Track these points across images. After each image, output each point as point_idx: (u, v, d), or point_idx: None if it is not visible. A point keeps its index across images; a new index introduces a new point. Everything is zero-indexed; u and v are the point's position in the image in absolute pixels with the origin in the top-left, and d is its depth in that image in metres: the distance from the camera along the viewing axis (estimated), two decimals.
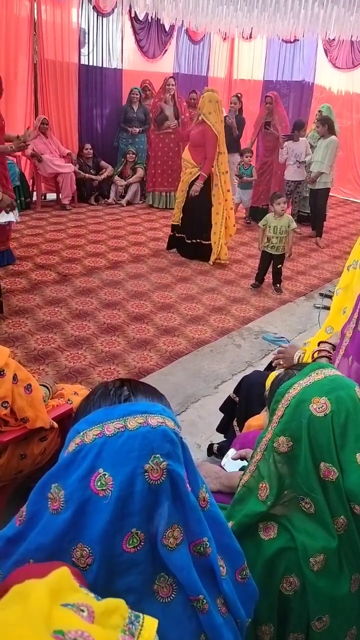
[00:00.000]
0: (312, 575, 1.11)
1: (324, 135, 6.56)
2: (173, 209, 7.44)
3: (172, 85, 7.06)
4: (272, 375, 2.19)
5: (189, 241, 5.79)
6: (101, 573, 0.75)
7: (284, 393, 1.16)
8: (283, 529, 1.15)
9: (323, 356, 1.93)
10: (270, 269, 5.19)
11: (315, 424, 1.10)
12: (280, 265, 5.17)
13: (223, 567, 0.88)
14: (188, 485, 0.81)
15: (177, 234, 5.87)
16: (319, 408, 1.11)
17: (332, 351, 1.93)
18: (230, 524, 1.12)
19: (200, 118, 5.37)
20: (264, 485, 1.15)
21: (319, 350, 1.96)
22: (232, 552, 0.92)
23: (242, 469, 1.75)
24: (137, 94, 7.94)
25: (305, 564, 1.11)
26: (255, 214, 7.56)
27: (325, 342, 1.98)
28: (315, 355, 1.98)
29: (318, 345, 2.00)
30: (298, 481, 1.12)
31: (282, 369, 1.70)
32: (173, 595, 0.81)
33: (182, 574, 0.79)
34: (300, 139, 6.83)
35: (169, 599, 0.80)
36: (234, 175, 7.26)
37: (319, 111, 7.64)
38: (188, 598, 0.81)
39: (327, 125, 6.54)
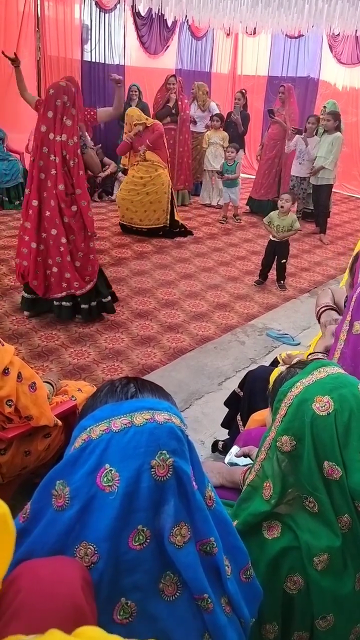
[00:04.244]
0: (316, 574, 1.10)
1: (330, 130, 6.50)
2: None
3: (173, 83, 7.04)
4: (276, 371, 2.19)
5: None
6: (107, 571, 0.75)
7: (286, 392, 1.16)
8: (287, 528, 1.15)
9: None
10: (274, 266, 5.19)
11: (318, 423, 1.09)
12: (284, 261, 5.16)
13: (228, 567, 0.88)
14: (194, 483, 0.81)
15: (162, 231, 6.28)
16: (321, 407, 1.10)
17: (325, 358, 1.93)
18: (235, 522, 1.12)
19: (144, 124, 5.93)
20: (268, 484, 1.15)
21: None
22: (237, 552, 0.92)
23: (237, 464, 1.75)
24: (135, 91, 7.92)
25: (309, 563, 1.10)
26: (260, 207, 7.52)
27: (316, 352, 1.98)
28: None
29: (308, 357, 2.00)
30: (302, 480, 1.12)
31: (285, 367, 1.70)
32: (178, 594, 0.81)
33: (189, 572, 0.79)
34: (314, 138, 6.75)
35: (173, 598, 0.80)
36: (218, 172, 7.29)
37: (324, 107, 7.60)
38: (192, 597, 0.81)
39: (338, 122, 6.48)
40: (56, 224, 3.70)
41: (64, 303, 3.95)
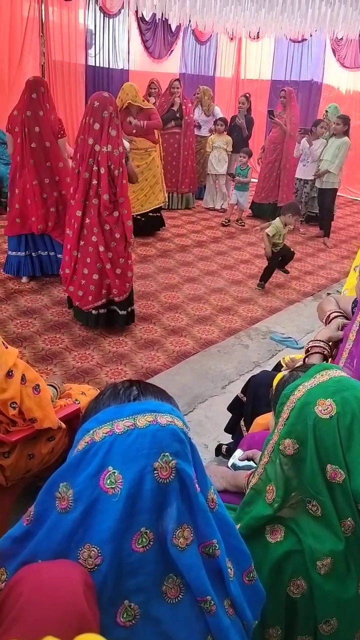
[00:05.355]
0: (319, 578, 1.10)
1: (339, 134, 6.50)
2: (178, 208, 7.56)
3: (177, 87, 7.08)
4: (280, 375, 2.18)
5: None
6: (110, 573, 0.75)
7: (289, 395, 1.16)
8: (290, 531, 1.15)
9: (316, 352, 1.91)
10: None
11: (321, 426, 1.09)
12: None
13: (231, 569, 0.88)
14: (197, 485, 0.81)
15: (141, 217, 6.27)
16: (324, 410, 1.10)
17: (325, 347, 1.91)
18: (237, 526, 1.12)
19: (139, 108, 5.85)
20: (271, 487, 1.15)
21: (312, 347, 1.94)
22: (240, 554, 0.92)
23: (240, 467, 1.75)
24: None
25: (312, 567, 1.10)
26: (260, 210, 7.56)
27: (317, 339, 1.96)
28: (309, 351, 1.96)
29: (308, 343, 1.99)
30: (305, 483, 1.11)
31: (288, 370, 1.69)
32: (181, 596, 0.81)
33: (191, 574, 0.79)
34: (318, 140, 6.77)
35: (176, 600, 0.80)
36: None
37: (326, 111, 7.62)
38: (195, 599, 0.81)
39: (347, 126, 6.48)
40: (95, 232, 3.69)
41: (100, 311, 3.93)
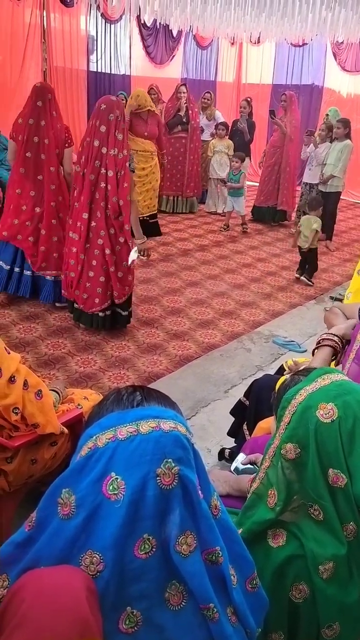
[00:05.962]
0: (322, 582, 1.10)
1: (340, 137, 6.50)
2: (182, 212, 7.57)
3: (184, 92, 7.11)
4: (282, 379, 2.18)
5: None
6: (112, 580, 0.75)
7: (290, 399, 1.16)
8: (292, 536, 1.15)
9: (327, 345, 1.88)
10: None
11: (322, 431, 1.09)
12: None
13: (234, 576, 0.87)
14: (200, 492, 0.81)
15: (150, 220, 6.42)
16: (325, 414, 1.10)
17: (338, 342, 1.88)
18: (239, 530, 1.11)
19: (148, 111, 5.96)
20: (272, 492, 1.14)
21: (324, 339, 1.89)
22: (243, 561, 0.91)
23: (245, 471, 1.75)
24: (123, 99, 7.99)
25: (314, 571, 1.10)
26: (260, 214, 7.56)
27: (331, 333, 1.92)
28: (320, 343, 1.93)
29: (321, 336, 1.96)
30: (306, 488, 1.11)
31: (290, 374, 1.69)
32: (183, 604, 0.80)
33: (194, 581, 0.79)
34: (324, 143, 6.77)
35: (179, 607, 0.80)
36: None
37: (327, 115, 7.63)
38: (198, 606, 0.81)
39: (348, 129, 6.49)
40: (101, 235, 3.70)
41: (107, 312, 3.94)
